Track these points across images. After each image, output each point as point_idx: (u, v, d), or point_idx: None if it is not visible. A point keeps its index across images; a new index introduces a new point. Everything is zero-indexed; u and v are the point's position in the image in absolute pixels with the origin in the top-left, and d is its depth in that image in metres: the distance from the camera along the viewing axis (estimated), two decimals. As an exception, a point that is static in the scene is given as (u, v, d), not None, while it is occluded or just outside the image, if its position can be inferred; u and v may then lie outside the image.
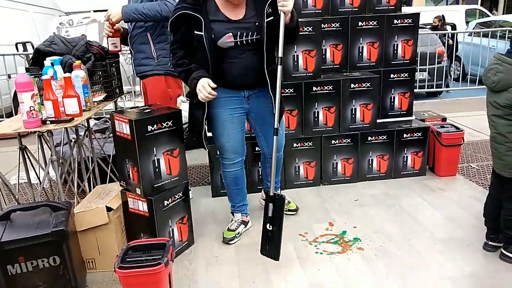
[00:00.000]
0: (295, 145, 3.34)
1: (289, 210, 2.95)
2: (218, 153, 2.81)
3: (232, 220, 2.74)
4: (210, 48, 2.20)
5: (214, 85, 2.18)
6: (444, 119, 3.82)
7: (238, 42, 2.24)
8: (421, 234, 2.67)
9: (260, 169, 3.12)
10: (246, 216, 2.78)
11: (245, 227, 2.75)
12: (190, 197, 3.12)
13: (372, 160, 3.44)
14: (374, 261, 2.41)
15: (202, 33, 2.18)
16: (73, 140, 3.24)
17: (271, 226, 2.29)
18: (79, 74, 2.63)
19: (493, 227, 2.41)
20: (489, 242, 2.44)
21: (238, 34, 2.22)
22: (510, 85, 2.07)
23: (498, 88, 2.12)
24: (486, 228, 2.46)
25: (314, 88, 3.26)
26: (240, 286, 2.25)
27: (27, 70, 2.70)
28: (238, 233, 2.68)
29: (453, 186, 3.35)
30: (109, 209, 2.43)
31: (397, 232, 2.70)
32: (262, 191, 3.03)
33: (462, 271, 2.29)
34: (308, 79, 3.25)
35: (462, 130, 3.52)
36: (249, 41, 2.25)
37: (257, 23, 2.24)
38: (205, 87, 2.17)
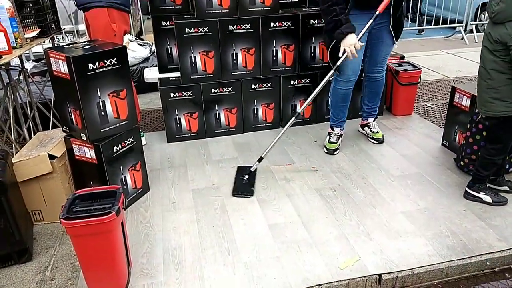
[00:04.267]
0: (253, 86, 3.21)
1: (373, 138, 3.10)
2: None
3: (331, 134, 2.99)
4: None
5: (359, 46, 2.49)
6: (402, 58, 3.78)
7: None
8: (378, 172, 2.70)
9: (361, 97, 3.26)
10: (342, 130, 3.03)
11: (341, 140, 3.01)
12: (144, 143, 2.97)
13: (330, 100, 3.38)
14: (333, 200, 2.42)
15: None
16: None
17: (247, 178, 2.61)
18: (4, 5, 2.30)
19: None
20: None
21: None
22: (509, 18, 1.92)
23: (496, 19, 1.97)
24: (442, 164, 2.49)
25: (272, 24, 3.07)
26: (199, 231, 2.20)
27: None
28: (339, 145, 2.97)
29: (409, 125, 3.40)
30: (52, 157, 2.24)
31: (354, 171, 2.72)
32: (361, 118, 3.24)
33: (416, 205, 2.35)
34: (266, 14, 3.05)
35: (419, 69, 3.51)
36: None
37: None
38: (351, 47, 2.47)
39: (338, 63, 2.58)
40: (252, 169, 2.63)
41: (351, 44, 2.47)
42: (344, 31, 2.47)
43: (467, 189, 2.39)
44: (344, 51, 2.52)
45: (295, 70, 3.26)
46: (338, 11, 2.45)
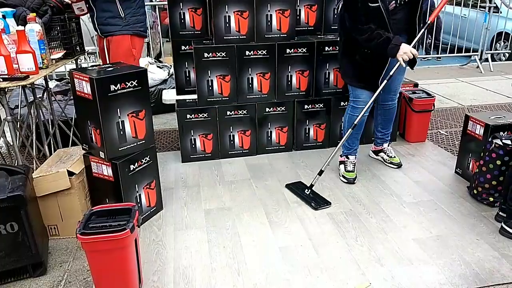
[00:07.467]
0: (268, 110, 3.27)
1: (392, 163, 3.12)
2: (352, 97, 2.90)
3: (346, 163, 2.97)
4: (387, 15, 2.52)
5: (415, 51, 2.56)
6: (416, 85, 3.82)
7: (398, 5, 2.60)
8: (390, 198, 2.70)
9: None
10: (356, 159, 3.02)
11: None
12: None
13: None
14: (344, 224, 2.42)
15: (379, 4, 2.49)
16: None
17: (311, 192, 2.70)
18: (34, 28, 2.42)
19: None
20: (500, 213, 2.40)
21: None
22: None
23: None
24: (455, 192, 2.47)
25: (288, 51, 3.15)
26: (210, 251, 2.22)
27: (-26, 22, 2.46)
28: (356, 173, 2.94)
29: (422, 152, 3.40)
30: (71, 173, 2.31)
31: (366, 196, 2.72)
32: (373, 143, 3.28)
33: (428, 233, 2.34)
34: (282, 41, 3.14)
35: (433, 96, 3.53)
36: (406, 1, 2.61)
37: None
38: (408, 52, 2.53)
39: (391, 73, 2.61)
40: (313, 183, 2.70)
41: (406, 51, 2.53)
42: (397, 43, 2.52)
43: (502, 224, 2.31)
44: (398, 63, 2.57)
45: (309, 95, 3.32)
46: (382, 32, 2.52)
